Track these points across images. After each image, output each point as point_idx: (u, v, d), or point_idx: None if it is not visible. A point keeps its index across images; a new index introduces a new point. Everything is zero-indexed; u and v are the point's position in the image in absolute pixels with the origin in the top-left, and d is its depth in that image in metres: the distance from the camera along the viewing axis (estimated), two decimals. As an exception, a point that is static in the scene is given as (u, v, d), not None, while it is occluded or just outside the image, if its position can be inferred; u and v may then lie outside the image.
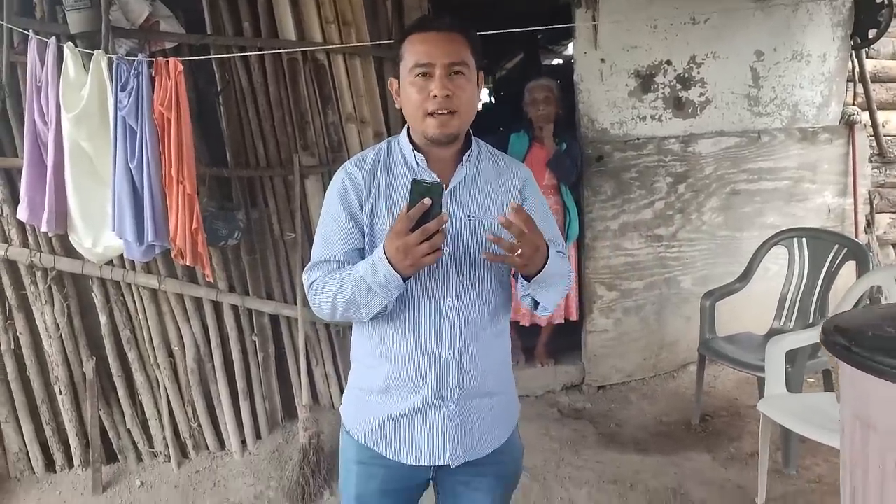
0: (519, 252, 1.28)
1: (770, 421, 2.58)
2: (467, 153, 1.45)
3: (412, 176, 1.41)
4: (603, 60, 3.44)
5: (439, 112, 1.35)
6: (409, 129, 1.46)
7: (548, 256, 1.35)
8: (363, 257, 1.39)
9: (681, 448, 3.14)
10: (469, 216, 1.41)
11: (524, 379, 3.67)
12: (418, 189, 1.23)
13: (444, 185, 1.35)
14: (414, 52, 1.36)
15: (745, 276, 3.34)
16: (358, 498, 1.51)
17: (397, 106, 1.45)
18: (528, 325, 3.63)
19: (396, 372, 1.43)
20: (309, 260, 1.47)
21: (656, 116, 3.58)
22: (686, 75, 3.58)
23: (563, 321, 3.65)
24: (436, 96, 1.34)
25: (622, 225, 3.60)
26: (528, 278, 1.38)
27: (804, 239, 3.27)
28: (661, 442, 3.21)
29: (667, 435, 3.28)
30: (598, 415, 3.50)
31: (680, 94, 3.59)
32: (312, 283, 1.41)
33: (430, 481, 1.56)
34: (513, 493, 1.64)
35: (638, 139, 3.55)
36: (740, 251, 3.69)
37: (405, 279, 1.30)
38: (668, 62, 3.54)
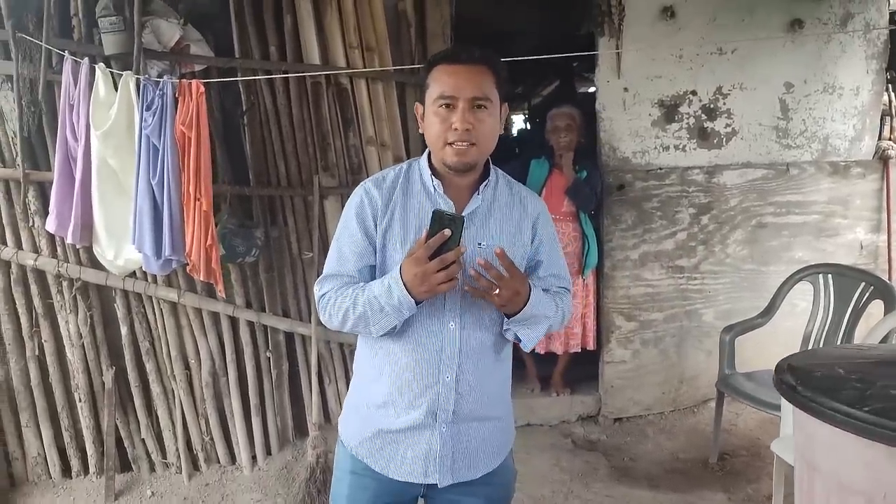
0: (497, 293, 1.36)
1: (785, 462, 2.49)
2: (484, 183, 1.50)
3: (428, 200, 1.47)
4: (626, 89, 3.43)
5: (458, 143, 1.40)
6: (429, 153, 1.50)
7: (528, 300, 1.40)
8: (374, 274, 1.46)
9: (695, 486, 3.05)
10: (480, 244, 1.46)
11: (539, 408, 3.63)
12: (440, 219, 1.30)
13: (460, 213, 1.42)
14: (440, 82, 1.41)
15: (768, 312, 3.25)
16: None
17: (420, 131, 1.49)
18: (543, 353, 3.59)
19: (396, 388, 1.47)
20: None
21: (680, 146, 3.54)
22: (712, 106, 3.54)
23: (579, 350, 3.60)
24: (456, 129, 1.39)
25: (642, 255, 3.55)
26: (508, 316, 1.45)
27: (829, 275, 3.18)
28: (675, 479, 3.13)
29: (682, 472, 3.19)
30: (612, 447, 3.43)
31: (705, 125, 3.55)
32: (324, 294, 1.47)
33: (421, 498, 1.58)
34: None
35: (660, 169, 3.52)
36: (766, 286, 3.59)
37: (418, 303, 1.36)
38: (693, 92, 3.51)
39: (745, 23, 3.46)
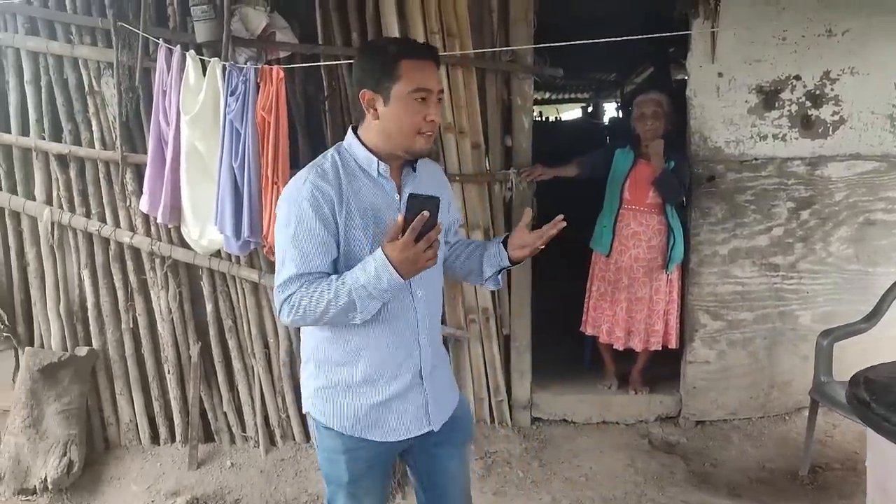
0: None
1: (882, 481, 2.29)
2: (418, 162, 1.62)
3: (372, 184, 1.56)
4: (720, 74, 3.23)
5: (429, 133, 1.53)
6: (356, 136, 1.58)
7: None
8: (336, 267, 1.52)
9: (781, 499, 2.87)
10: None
11: (615, 405, 3.52)
12: (417, 203, 1.37)
13: (398, 191, 1.59)
14: (414, 76, 1.49)
15: (873, 317, 2.99)
16: (351, 482, 1.65)
17: (371, 118, 1.54)
18: (622, 348, 3.47)
19: (376, 364, 1.59)
20: None
21: (779, 136, 3.30)
22: (817, 92, 3.27)
23: (660, 348, 3.45)
24: (432, 121, 1.51)
25: (732, 251, 3.35)
26: (514, 263, 1.68)
27: (946, 279, 2.88)
28: (759, 489, 2.95)
29: (768, 483, 3.00)
30: (692, 451, 3.27)
31: (809, 113, 3.29)
32: (290, 295, 1.49)
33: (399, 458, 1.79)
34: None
35: (756, 159, 3.29)
36: (873, 288, 3.30)
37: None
38: (797, 77, 3.25)
39: (858, 1, 3.17)
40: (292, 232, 1.49)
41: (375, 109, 1.52)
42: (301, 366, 1.73)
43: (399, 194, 1.59)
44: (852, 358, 3.05)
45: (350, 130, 1.61)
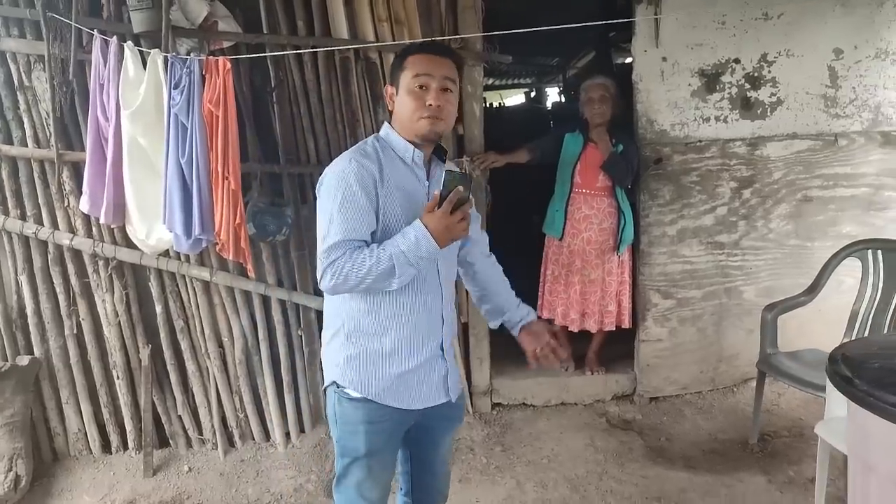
0: None
1: (829, 445, 2.40)
2: (444, 154, 1.80)
3: (408, 169, 1.70)
4: (664, 59, 3.30)
5: (429, 116, 1.65)
6: (393, 129, 1.72)
7: None
8: (374, 239, 1.64)
9: (734, 468, 2.98)
10: None
11: (573, 386, 3.59)
12: (453, 179, 1.54)
13: (427, 178, 1.73)
14: (416, 66, 1.67)
15: (813, 290, 3.13)
16: (368, 453, 1.72)
17: (389, 109, 1.74)
18: (577, 331, 3.53)
19: (406, 334, 1.70)
20: None
21: (721, 118, 3.40)
22: (756, 74, 3.39)
23: (614, 328, 3.53)
24: (430, 105, 1.65)
25: (680, 231, 3.45)
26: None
27: (879, 251, 3.04)
28: (713, 460, 3.06)
29: (720, 453, 3.12)
30: (647, 427, 3.36)
31: (748, 95, 3.40)
32: (334, 261, 1.58)
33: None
34: None
35: (700, 141, 3.39)
36: (811, 262, 3.46)
37: None
38: (737, 60, 3.36)
39: (792, -14, 3.29)
40: (339, 203, 1.59)
41: (392, 101, 1.71)
42: (326, 343, 1.79)
43: (428, 181, 1.73)
44: (793, 330, 3.22)
45: (386, 123, 1.76)
